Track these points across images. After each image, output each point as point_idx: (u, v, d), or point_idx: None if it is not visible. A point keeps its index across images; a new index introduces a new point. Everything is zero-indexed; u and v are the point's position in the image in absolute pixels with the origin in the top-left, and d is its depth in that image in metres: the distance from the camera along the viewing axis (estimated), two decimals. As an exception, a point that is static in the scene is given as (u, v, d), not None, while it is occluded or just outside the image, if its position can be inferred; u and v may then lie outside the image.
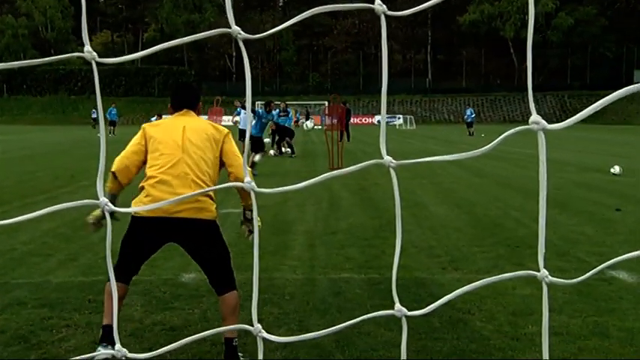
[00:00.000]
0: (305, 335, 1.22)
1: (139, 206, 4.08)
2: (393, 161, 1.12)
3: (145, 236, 4.33)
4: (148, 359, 1.21)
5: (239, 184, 1.23)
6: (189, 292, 6.13)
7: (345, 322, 4.58)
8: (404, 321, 1.15)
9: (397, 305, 1.14)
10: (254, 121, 18.04)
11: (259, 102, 25.13)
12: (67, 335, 4.99)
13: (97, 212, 4.50)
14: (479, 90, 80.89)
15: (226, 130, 4.57)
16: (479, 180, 15.30)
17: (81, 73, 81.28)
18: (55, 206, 1.23)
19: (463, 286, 4.94)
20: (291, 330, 5.04)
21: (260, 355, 1.19)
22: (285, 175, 16.57)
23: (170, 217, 4.14)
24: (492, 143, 1.13)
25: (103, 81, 78.83)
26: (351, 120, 35.72)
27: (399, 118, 66.88)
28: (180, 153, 4.26)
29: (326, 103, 51.59)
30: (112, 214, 3.85)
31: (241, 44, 1.08)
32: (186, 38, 1.14)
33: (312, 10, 1.06)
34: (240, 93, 57.67)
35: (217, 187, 1.26)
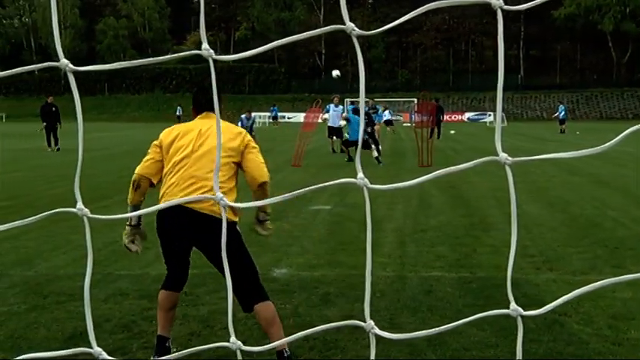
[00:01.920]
0: (418, 333, 1.21)
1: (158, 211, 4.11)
2: (509, 158, 1.10)
3: (170, 228, 4.26)
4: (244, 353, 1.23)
5: (350, 180, 1.22)
6: (281, 288, 6.21)
7: (436, 320, 4.55)
8: (519, 321, 1.13)
9: (513, 305, 1.11)
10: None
11: (348, 99, 25.25)
12: (165, 326, 5.15)
13: (127, 230, 4.55)
14: (574, 86, 78.25)
15: (244, 132, 4.46)
16: (573, 178, 14.82)
17: (175, 72, 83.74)
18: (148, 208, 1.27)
19: (559, 287, 4.85)
20: (382, 327, 4.99)
21: (372, 351, 1.19)
22: (375, 172, 16.54)
23: (187, 207, 4.04)
24: (613, 141, 1.09)
25: (196, 79, 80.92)
26: (442, 117, 35.21)
27: (489, 115, 65.61)
28: (189, 156, 4.20)
29: (415, 100, 51.19)
30: (138, 227, 3.86)
31: (355, 40, 1.08)
32: (301, 35, 1.15)
33: (429, 5, 1.05)
34: (330, 90, 57.85)
35: (328, 183, 1.25)
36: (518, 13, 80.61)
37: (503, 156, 1.10)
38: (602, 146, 1.10)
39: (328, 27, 1.11)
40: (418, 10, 1.07)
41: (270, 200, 1.30)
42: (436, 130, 32.00)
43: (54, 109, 26.24)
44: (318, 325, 4.55)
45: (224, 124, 4.41)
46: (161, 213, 4.23)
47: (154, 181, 4.34)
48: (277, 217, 9.66)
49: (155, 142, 4.42)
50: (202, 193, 4.05)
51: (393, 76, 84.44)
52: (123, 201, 11.36)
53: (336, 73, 21.97)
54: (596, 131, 39.27)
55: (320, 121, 23.49)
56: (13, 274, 6.72)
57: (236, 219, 4.19)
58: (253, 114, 24.52)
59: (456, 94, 77.12)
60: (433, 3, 1.09)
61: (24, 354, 4.42)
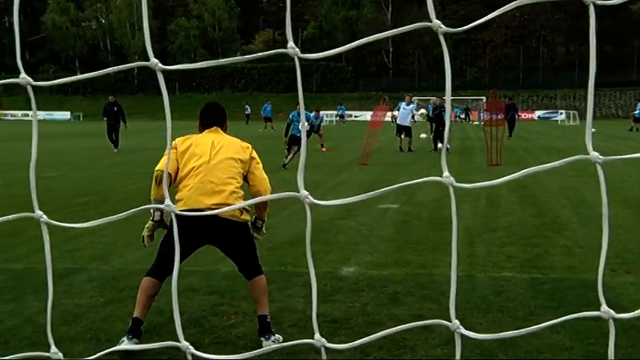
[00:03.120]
0: (506, 333, 1.20)
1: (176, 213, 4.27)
2: (601, 157, 1.07)
3: (195, 230, 4.63)
4: (314, 348, 1.24)
5: (436, 179, 1.21)
6: (349, 286, 6.22)
7: (508, 322, 4.46)
8: (611, 324, 1.10)
9: (604, 307, 1.09)
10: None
11: (415, 98, 25.00)
12: (236, 322, 5.24)
13: (149, 224, 4.97)
14: (650, 83, 75.62)
15: (250, 147, 4.99)
16: (652, 179, 14.33)
17: (244, 71, 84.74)
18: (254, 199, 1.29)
19: (637, 290, 4.70)
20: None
21: (458, 351, 1.19)
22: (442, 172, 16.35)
23: (206, 209, 4.45)
24: None
25: (264, 78, 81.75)
26: (517, 116, 34.50)
27: (560, 113, 64.06)
28: (207, 165, 4.67)
29: (484, 98, 50.37)
30: (161, 222, 4.18)
31: (442, 38, 1.08)
32: (387, 33, 1.15)
33: (516, 2, 1.04)
34: (397, 89, 57.60)
35: (414, 181, 1.25)
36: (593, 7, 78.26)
37: (594, 155, 1.07)
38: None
39: (415, 24, 1.11)
40: (509, 5, 1.05)
41: (356, 198, 1.30)
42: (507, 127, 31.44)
43: (115, 108, 25.75)
44: (387, 324, 4.57)
45: (232, 138, 5.01)
46: (184, 218, 4.40)
47: (173, 178, 4.72)
48: (345, 216, 9.69)
49: (172, 148, 4.78)
50: (222, 197, 4.58)
51: (461, 74, 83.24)
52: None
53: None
54: (674, 130, 37.85)
55: (388, 119, 23.38)
56: (90, 268, 6.94)
57: (249, 218, 4.89)
58: (321, 112, 24.57)
59: (525, 92, 75.58)
60: (519, 1, 1.07)
61: (102, 345, 4.58)
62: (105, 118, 26.14)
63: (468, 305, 5.57)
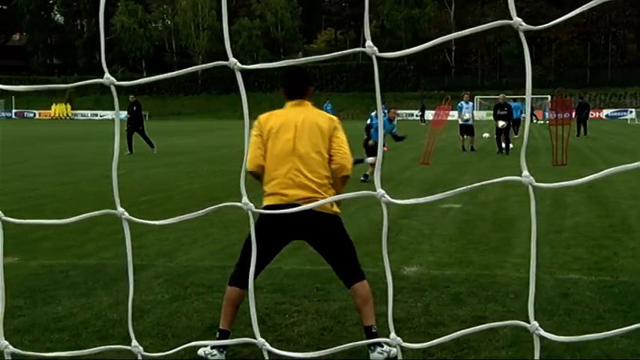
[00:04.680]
0: (580, 337, 1.19)
1: (262, 208, 4.29)
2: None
3: (270, 228, 4.39)
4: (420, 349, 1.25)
5: (516, 178, 1.20)
6: (412, 286, 6.19)
7: (574, 325, 4.39)
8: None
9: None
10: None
11: (478, 97, 24.63)
12: (298, 320, 5.28)
13: None
14: None
15: (336, 120, 4.67)
16: None
17: (305, 71, 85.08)
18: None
19: None
20: (516, 329, 4.91)
21: (537, 352, 1.18)
22: (506, 169, 16.12)
23: (296, 204, 4.06)
24: None
25: (325, 78, 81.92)
26: (589, 115, 33.73)
27: (631, 112, 62.22)
28: (292, 153, 4.40)
29: (549, 97, 49.29)
30: None
31: (522, 35, 1.07)
32: (471, 30, 1.15)
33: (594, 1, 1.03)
34: (460, 87, 56.89)
35: (492, 181, 1.24)
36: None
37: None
38: None
39: (496, 22, 1.11)
40: (591, 3, 1.04)
41: (431, 198, 1.31)
42: (578, 127, 30.75)
43: (135, 108, 23.30)
44: (449, 325, 4.55)
45: (317, 113, 4.68)
46: (261, 217, 4.42)
47: (264, 165, 4.51)
48: (407, 216, 9.64)
49: (255, 133, 4.55)
50: (310, 190, 4.34)
51: (525, 72, 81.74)
52: (255, 197, 11.77)
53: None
54: None
55: (452, 118, 23.15)
56: (157, 265, 7.10)
57: (340, 210, 4.58)
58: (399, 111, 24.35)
59: (592, 91, 73.61)
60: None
61: (168, 341, 4.68)
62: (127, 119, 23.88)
63: (534, 307, 5.47)
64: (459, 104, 23.96)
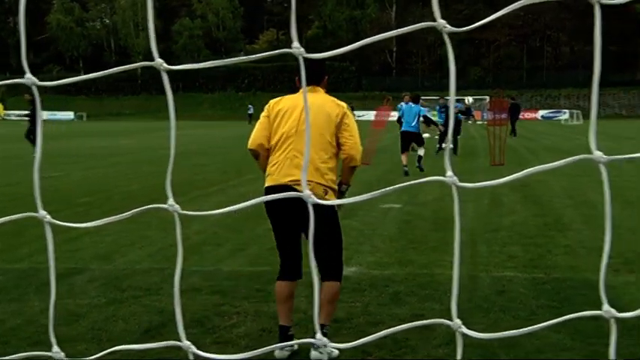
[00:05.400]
0: (506, 332, 1.20)
1: (264, 187, 4.44)
2: (604, 157, 1.07)
3: (276, 209, 4.40)
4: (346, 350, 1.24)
5: (439, 178, 1.21)
6: (352, 286, 6.21)
7: (509, 321, 4.47)
8: (612, 323, 1.10)
9: (606, 306, 1.09)
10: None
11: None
12: (238, 322, 5.24)
13: None
14: (654, 82, 75.45)
15: (346, 106, 4.62)
16: (655, 178, 14.31)
17: (247, 71, 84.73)
18: (254, 200, 1.30)
19: (638, 289, 4.69)
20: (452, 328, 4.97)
21: (459, 350, 1.19)
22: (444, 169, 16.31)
23: (293, 189, 4.16)
24: None
25: (268, 78, 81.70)
26: (520, 116, 34.51)
27: (564, 112, 63.98)
28: (294, 135, 4.40)
29: (487, 98, 50.26)
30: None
31: (446, 37, 1.08)
32: (397, 31, 1.15)
33: (521, 2, 1.04)
34: (401, 88, 57.47)
35: (417, 181, 1.25)
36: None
37: (597, 154, 1.07)
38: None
39: (420, 24, 1.11)
40: (515, 5, 1.05)
41: (359, 198, 1.30)
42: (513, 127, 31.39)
43: (32, 107, 21.99)
44: (388, 324, 4.61)
45: (326, 98, 4.61)
46: (268, 193, 4.38)
47: (267, 146, 4.52)
48: (347, 216, 9.67)
49: (263, 114, 4.61)
50: (307, 173, 4.14)
51: (464, 73, 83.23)
52: (197, 197, 11.67)
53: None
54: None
55: (392, 119, 23.33)
56: (93, 268, 6.95)
57: (334, 197, 4.44)
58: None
59: (529, 92, 75.43)
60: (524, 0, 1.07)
61: (104, 345, 4.58)
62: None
63: (470, 305, 5.57)
64: (399, 105, 24.18)
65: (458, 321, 1.18)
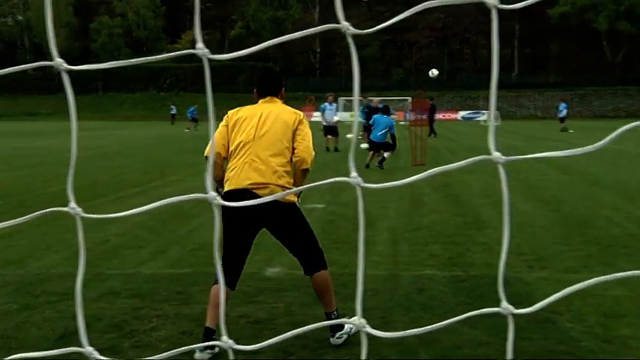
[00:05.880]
0: (409, 331, 1.21)
1: (222, 195, 4.44)
2: (502, 157, 1.10)
3: (235, 216, 4.46)
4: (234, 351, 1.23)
5: (343, 179, 1.22)
6: (274, 286, 6.21)
7: (428, 319, 4.57)
8: (510, 320, 1.12)
9: (504, 303, 1.11)
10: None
11: (341, 98, 25.02)
12: (157, 325, 5.15)
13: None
14: (568, 84, 78.35)
15: (302, 115, 4.79)
16: (566, 177, 14.86)
17: (170, 71, 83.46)
18: (167, 199, 1.27)
19: (550, 285, 4.87)
20: (374, 326, 4.99)
21: (364, 350, 1.19)
22: (370, 171, 16.53)
23: (253, 193, 4.38)
24: (607, 138, 1.09)
25: (191, 78, 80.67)
26: (436, 116, 35.25)
27: (483, 113, 65.70)
28: (252, 141, 4.55)
29: (409, 98, 51.13)
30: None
31: (350, 39, 1.08)
32: (298, 33, 1.15)
33: (425, 4, 1.05)
34: (325, 89, 57.83)
35: (322, 182, 1.25)
36: (513, 12, 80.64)
37: (496, 155, 1.09)
38: (595, 145, 1.10)
39: (323, 26, 1.11)
40: (413, 9, 1.07)
41: (264, 199, 1.29)
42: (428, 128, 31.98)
43: None
44: (310, 324, 4.57)
45: (283, 107, 4.80)
46: (226, 199, 4.40)
47: (223, 155, 4.67)
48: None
49: (222, 124, 4.75)
50: (265, 177, 4.47)
51: (387, 74, 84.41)
52: (117, 199, 11.42)
53: (434, 72, 21.95)
54: (589, 129, 39.35)
55: (316, 119, 23.44)
56: (5, 274, 6.70)
57: (296, 199, 4.67)
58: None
59: (450, 93, 77.13)
60: (429, 2, 1.09)
61: (14, 353, 4.39)
62: None
63: (391, 303, 5.65)
64: (323, 105, 24.31)
65: (362, 320, 1.19)
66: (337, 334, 4.64)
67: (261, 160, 4.51)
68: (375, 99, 24.10)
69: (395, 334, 1.21)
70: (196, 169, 16.82)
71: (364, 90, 66.20)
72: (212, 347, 4.32)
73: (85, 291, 5.93)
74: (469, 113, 71.06)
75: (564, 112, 40.27)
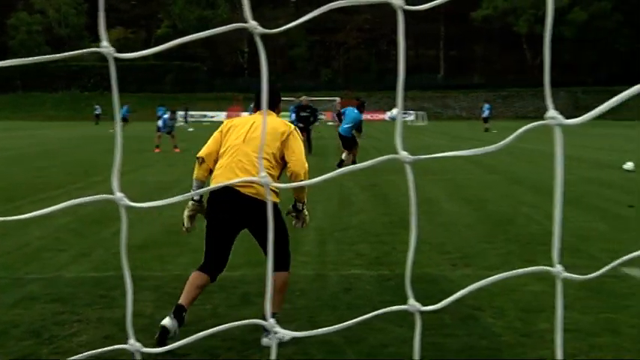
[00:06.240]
0: (316, 330, 1.22)
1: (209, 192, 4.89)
2: (409, 156, 1.11)
3: (219, 210, 4.75)
4: (160, 353, 1.21)
5: (252, 179, 1.21)
6: (201, 288, 6.13)
7: (354, 318, 4.58)
8: (417, 317, 1.14)
9: (411, 300, 1.13)
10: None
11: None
12: (79, 330, 5.02)
13: (190, 204, 5.09)
14: (491, 86, 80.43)
15: (292, 127, 5.02)
16: (490, 176, 15.24)
17: (94, 70, 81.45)
18: (71, 201, 1.23)
19: (473, 282, 4.92)
20: (301, 326, 5.05)
21: (273, 351, 1.19)
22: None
23: (236, 191, 4.60)
24: (507, 139, 1.12)
25: (116, 77, 78.90)
26: (364, 116, 35.56)
27: (410, 114, 66.72)
28: (241, 144, 4.80)
29: (338, 99, 51.48)
30: (200, 203, 4.26)
31: (257, 39, 1.08)
32: (202, 33, 1.14)
33: (329, 5, 1.06)
34: (253, 88, 57.60)
35: (280, 185, 1.25)
36: (438, 14, 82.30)
37: (403, 154, 1.11)
38: (495, 145, 1.13)
39: (231, 25, 1.10)
40: (320, 9, 1.07)
41: (181, 197, 1.27)
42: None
43: None
44: (235, 326, 4.51)
45: (274, 118, 5.12)
46: (212, 195, 4.86)
47: (213, 157, 4.93)
48: (198, 218, 9.54)
49: (218, 131, 5.06)
50: (248, 175, 4.63)
51: (316, 75, 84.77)
52: (38, 201, 11.09)
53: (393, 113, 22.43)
54: (511, 130, 40.02)
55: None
56: None
57: (278, 200, 4.80)
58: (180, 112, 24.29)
59: (379, 93, 78.04)
60: (337, 2, 1.09)
61: None
62: None
63: (318, 303, 5.67)
64: (252, 105, 24.20)
65: (272, 320, 1.19)
66: (270, 335, 4.62)
67: (248, 160, 4.74)
68: (304, 98, 24.11)
69: (298, 334, 1.22)
70: (122, 169, 16.47)
71: (294, 90, 66.35)
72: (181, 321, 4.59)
73: (2, 297, 5.75)
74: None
75: (487, 113, 41.35)
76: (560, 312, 1.12)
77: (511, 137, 1.11)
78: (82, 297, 5.80)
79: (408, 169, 1.12)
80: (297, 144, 4.92)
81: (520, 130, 1.11)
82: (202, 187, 5.02)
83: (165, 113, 28.36)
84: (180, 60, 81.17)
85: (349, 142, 18.22)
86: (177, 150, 23.27)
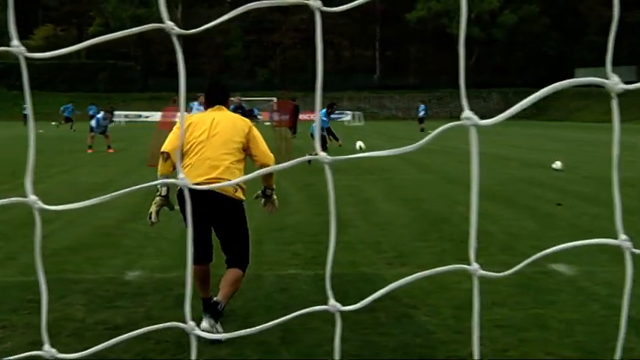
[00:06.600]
0: (238, 332, 1.21)
1: (177, 190, 4.74)
2: (328, 157, 1.12)
3: (195, 204, 4.60)
4: (82, 358, 1.18)
5: (173, 181, 1.21)
6: (134, 291, 6.05)
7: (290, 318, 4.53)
8: (337, 317, 1.15)
9: (331, 301, 1.14)
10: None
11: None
12: (4, 337, 4.87)
13: (157, 199, 5.17)
14: (426, 86, 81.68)
15: (249, 122, 5.31)
16: (426, 176, 15.47)
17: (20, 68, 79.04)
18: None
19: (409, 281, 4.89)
20: (236, 327, 5.01)
21: (193, 353, 1.18)
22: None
23: (198, 183, 4.49)
24: (425, 139, 1.15)
25: (45, 76, 76.80)
26: (300, 116, 35.61)
27: (347, 114, 67.15)
28: (205, 141, 4.94)
29: (274, 99, 51.38)
30: (167, 198, 4.31)
31: (175, 39, 1.06)
32: (118, 33, 1.11)
33: (248, 5, 1.05)
34: (189, 88, 56.95)
35: (249, 175, 1.23)
36: (374, 15, 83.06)
37: (322, 155, 1.12)
38: (414, 145, 1.15)
39: (148, 25, 1.08)
40: (237, 10, 1.06)
41: (87, 202, 1.25)
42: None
43: None
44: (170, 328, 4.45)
45: (232, 114, 5.38)
46: (182, 195, 4.67)
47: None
48: (133, 219, 9.40)
49: (177, 126, 5.39)
50: (217, 172, 4.82)
51: (252, 75, 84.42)
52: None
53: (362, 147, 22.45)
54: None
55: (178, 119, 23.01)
56: None
57: (244, 198, 5.05)
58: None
59: (315, 93, 78.24)
60: (257, 2, 1.09)
61: None
62: None
63: (254, 304, 5.65)
64: (190, 104, 23.96)
65: (191, 323, 1.18)
66: (211, 322, 4.79)
67: (214, 157, 4.90)
68: (236, 98, 24.01)
69: (220, 336, 1.21)
70: (51, 170, 16.09)
71: (230, 90, 65.72)
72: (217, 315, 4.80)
73: None
74: (333, 114, 72.41)
75: (423, 113, 41.96)
76: (476, 309, 1.15)
77: (428, 137, 1.13)
78: (8, 302, 5.63)
79: (327, 170, 1.12)
80: (259, 137, 5.19)
81: (437, 131, 1.14)
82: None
83: (97, 112, 27.88)
84: (113, 59, 79.66)
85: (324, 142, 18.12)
86: (111, 150, 22.84)
